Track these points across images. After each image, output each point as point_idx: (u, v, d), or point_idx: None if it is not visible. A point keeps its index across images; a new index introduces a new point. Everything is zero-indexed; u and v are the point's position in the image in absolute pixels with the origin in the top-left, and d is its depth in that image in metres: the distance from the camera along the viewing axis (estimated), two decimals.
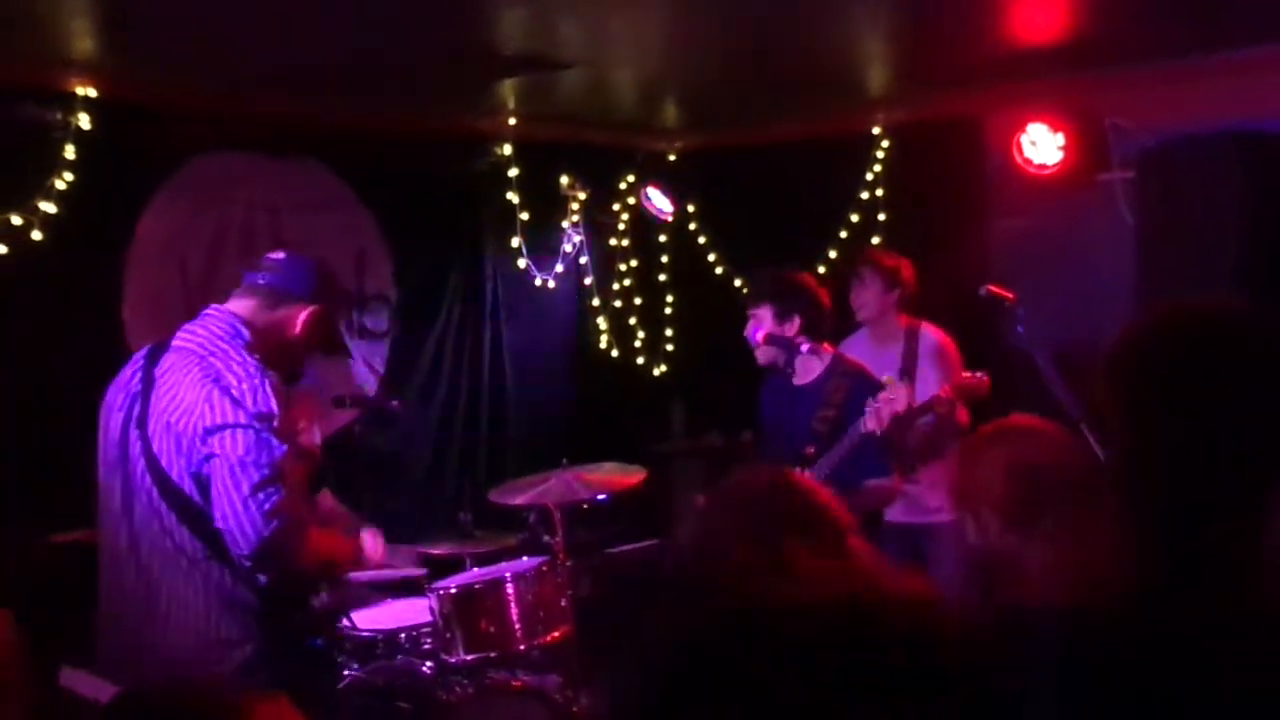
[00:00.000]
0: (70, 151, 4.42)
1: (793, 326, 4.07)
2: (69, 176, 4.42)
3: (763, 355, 4.18)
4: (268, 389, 2.76)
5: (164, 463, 2.76)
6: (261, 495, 2.68)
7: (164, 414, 2.77)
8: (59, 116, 4.42)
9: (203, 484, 2.74)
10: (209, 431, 2.71)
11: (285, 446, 2.77)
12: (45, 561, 3.94)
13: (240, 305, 2.95)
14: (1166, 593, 1.41)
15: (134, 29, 3.95)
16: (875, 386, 4.06)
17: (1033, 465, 2.11)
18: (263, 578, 2.77)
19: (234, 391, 2.73)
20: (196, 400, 2.74)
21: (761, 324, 4.12)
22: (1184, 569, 1.41)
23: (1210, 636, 1.36)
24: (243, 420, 2.71)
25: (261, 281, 2.97)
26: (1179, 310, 1.54)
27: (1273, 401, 1.42)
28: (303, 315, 2.98)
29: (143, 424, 2.80)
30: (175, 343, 2.90)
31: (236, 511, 2.68)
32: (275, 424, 2.75)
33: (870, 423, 3.78)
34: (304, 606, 3.29)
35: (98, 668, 2.65)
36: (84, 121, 4.43)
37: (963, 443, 2.42)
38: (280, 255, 3.04)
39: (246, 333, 2.88)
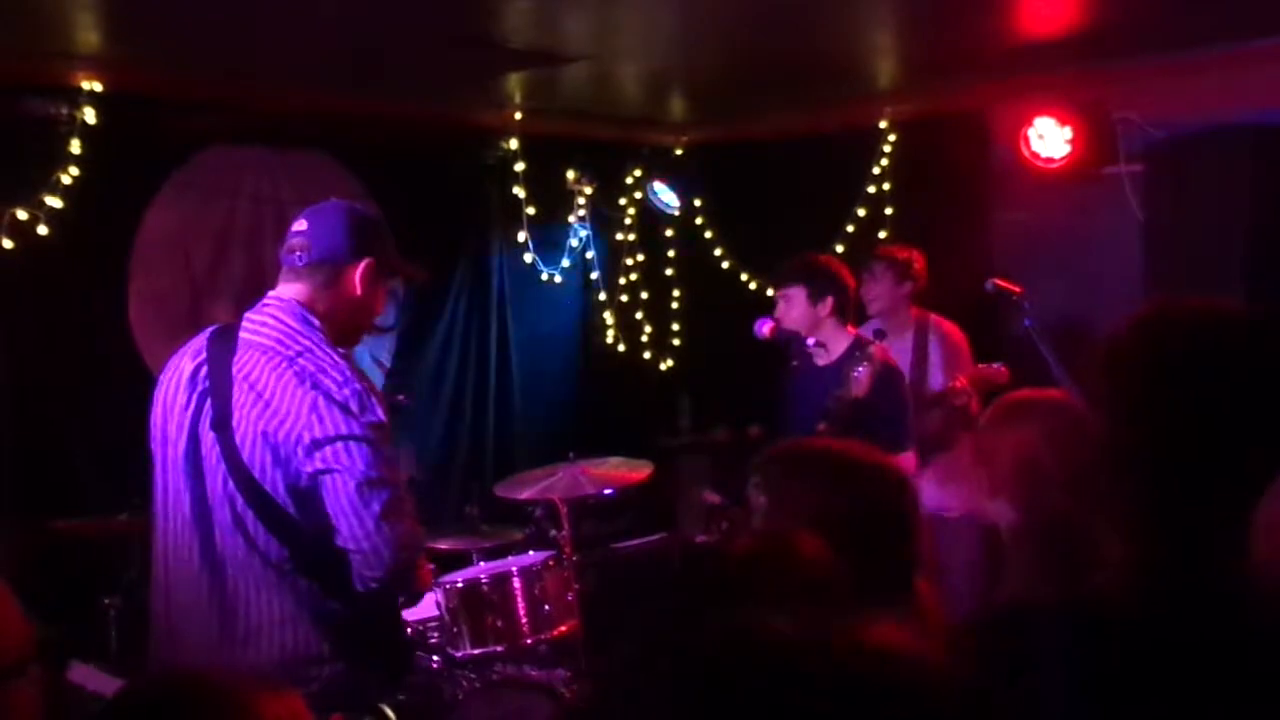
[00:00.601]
0: (76, 146, 4.42)
1: (825, 307, 4.17)
2: (74, 171, 4.42)
3: (776, 331, 4.25)
4: (370, 395, 2.58)
5: (257, 473, 2.55)
6: (394, 520, 2.53)
7: (255, 421, 2.55)
8: (64, 111, 4.41)
9: (300, 496, 2.55)
10: (318, 444, 2.51)
11: (405, 460, 2.69)
12: (49, 552, 3.94)
13: (294, 290, 2.71)
14: (1164, 591, 1.41)
15: (139, 22, 3.96)
16: (893, 369, 4.13)
17: (1040, 453, 2.09)
18: (380, 597, 2.63)
19: (338, 397, 2.53)
20: (298, 408, 2.52)
21: (793, 305, 4.19)
22: (1180, 566, 1.41)
23: (1211, 633, 1.36)
24: (357, 432, 2.52)
25: (301, 262, 2.71)
26: (1173, 306, 1.53)
27: (1265, 400, 1.43)
28: (357, 275, 2.73)
29: (222, 427, 2.58)
30: (245, 335, 2.66)
31: (370, 533, 2.51)
32: (386, 433, 2.59)
33: (854, 388, 3.83)
34: (397, 617, 3.08)
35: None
36: (89, 116, 4.43)
37: (993, 408, 2.36)
38: (305, 225, 2.75)
39: (317, 320, 2.67)
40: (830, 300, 4.17)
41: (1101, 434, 1.51)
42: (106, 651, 3.81)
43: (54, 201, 4.38)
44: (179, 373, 2.71)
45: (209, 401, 2.62)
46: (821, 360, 4.19)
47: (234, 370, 2.61)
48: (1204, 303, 1.53)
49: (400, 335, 5.74)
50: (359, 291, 2.74)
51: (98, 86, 4.45)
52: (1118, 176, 5.33)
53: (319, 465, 2.51)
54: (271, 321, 2.66)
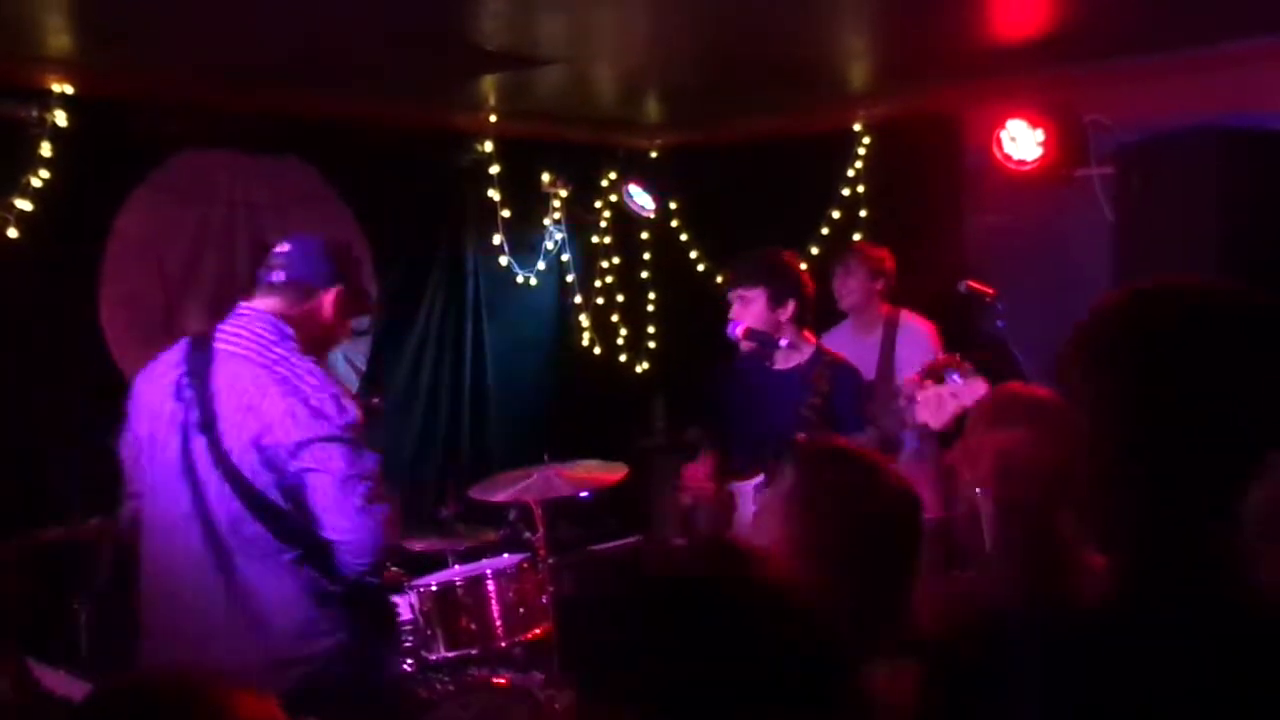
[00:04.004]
0: (46, 149, 4.39)
1: (786, 311, 3.95)
2: (45, 174, 4.39)
3: (746, 344, 4.10)
4: (344, 398, 2.80)
5: (249, 475, 2.74)
6: (375, 508, 2.75)
7: (243, 427, 2.74)
8: (35, 114, 4.38)
9: (291, 494, 2.76)
10: (300, 446, 2.72)
11: (376, 454, 2.82)
12: (18, 556, 3.91)
13: (268, 304, 2.91)
14: (1149, 590, 1.39)
15: (110, 25, 3.93)
16: (857, 376, 4.06)
17: (1023, 454, 2.09)
18: (375, 580, 2.92)
19: (313, 402, 2.74)
20: (280, 414, 2.73)
21: (750, 305, 3.97)
22: (1166, 565, 1.38)
23: (1194, 637, 1.34)
24: (335, 433, 2.73)
25: (278, 279, 2.92)
26: (1156, 288, 1.45)
27: (1256, 384, 1.38)
28: (328, 300, 2.95)
29: (210, 431, 2.77)
30: (221, 347, 2.85)
31: (354, 525, 2.73)
32: (360, 431, 2.79)
33: (927, 416, 3.37)
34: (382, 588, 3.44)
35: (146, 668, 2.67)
36: (60, 119, 4.40)
37: (979, 405, 2.35)
38: (287, 248, 2.97)
39: (289, 330, 2.86)
40: (792, 305, 3.96)
41: (1083, 428, 1.45)
42: (76, 655, 3.78)
43: (24, 205, 4.34)
44: (161, 382, 2.89)
45: (195, 410, 2.80)
46: (779, 364, 4.02)
47: (215, 379, 2.80)
48: (1184, 283, 1.45)
49: (375, 338, 5.72)
50: (328, 315, 2.95)
51: (69, 89, 4.42)
52: (1089, 178, 5.37)
53: (303, 465, 2.73)
54: (246, 333, 2.85)
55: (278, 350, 2.81)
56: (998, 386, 2.33)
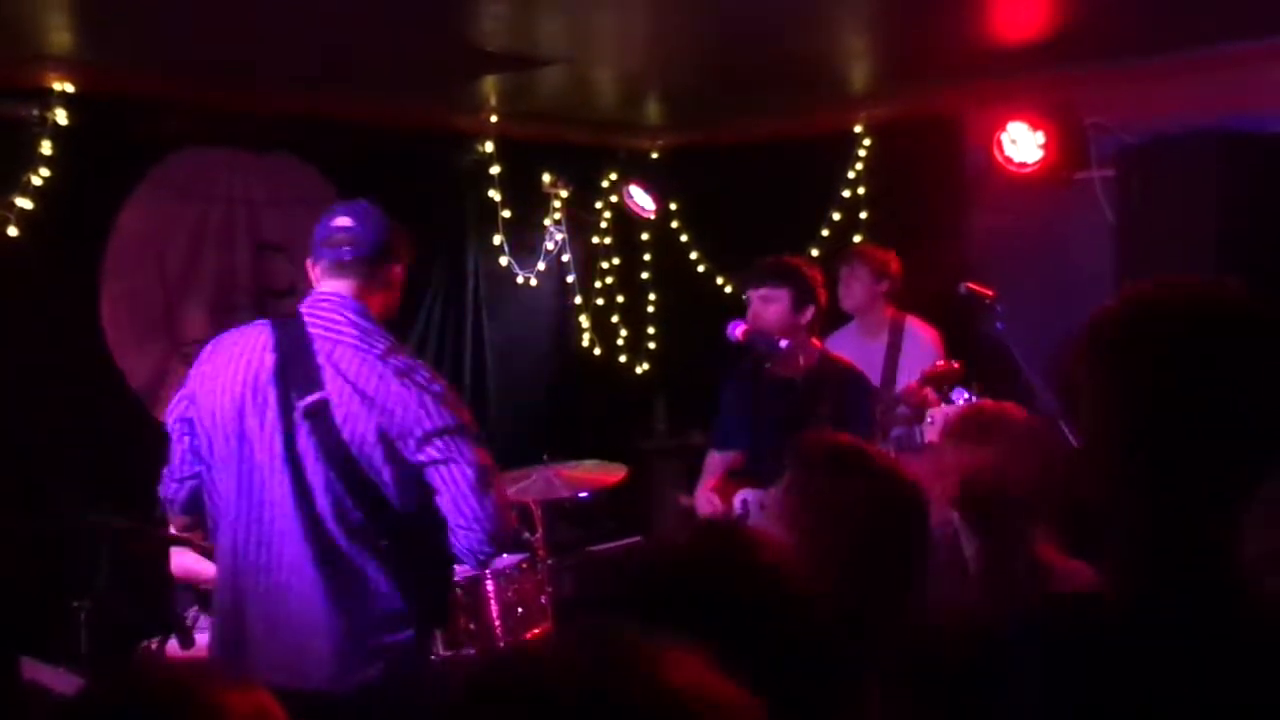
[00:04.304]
0: (47, 147, 4.39)
1: (805, 316, 4.04)
2: (46, 172, 4.39)
3: (750, 335, 4.13)
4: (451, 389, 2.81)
5: (364, 465, 2.70)
6: (496, 494, 2.77)
7: (362, 417, 2.68)
8: (35, 112, 4.38)
9: (407, 485, 2.74)
10: (429, 435, 2.70)
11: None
12: (18, 554, 3.91)
13: (344, 286, 2.82)
14: (1150, 591, 1.39)
15: (110, 23, 3.93)
16: (864, 382, 4.13)
17: (993, 474, 2.09)
18: (490, 564, 3.08)
19: (434, 393, 2.73)
20: (405, 403, 2.69)
21: (771, 305, 4.04)
22: (1167, 565, 1.38)
23: (1197, 641, 1.34)
24: (463, 423, 2.74)
25: (348, 257, 2.82)
26: (1162, 290, 1.46)
27: (1261, 387, 1.37)
28: (395, 276, 2.92)
29: (317, 416, 2.70)
30: (318, 331, 2.77)
31: (492, 515, 2.73)
32: (474, 421, 2.82)
33: (934, 434, 3.59)
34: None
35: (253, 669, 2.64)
36: (61, 117, 4.41)
37: (952, 422, 2.36)
38: (349, 221, 2.85)
39: (373, 315, 2.81)
40: (811, 310, 4.05)
41: (1083, 431, 1.46)
42: (76, 653, 3.78)
43: (25, 203, 4.35)
44: (245, 360, 2.78)
45: (299, 394, 2.72)
46: (782, 372, 4.08)
47: (321, 364, 2.72)
48: (1188, 286, 1.46)
49: None
50: (397, 291, 2.92)
51: (69, 88, 4.42)
52: (1089, 181, 5.36)
53: (432, 455, 2.70)
54: (341, 319, 2.77)
55: (382, 341, 2.78)
56: (965, 405, 2.35)
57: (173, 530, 3.25)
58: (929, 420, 3.71)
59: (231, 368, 2.81)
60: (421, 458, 2.71)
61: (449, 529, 2.74)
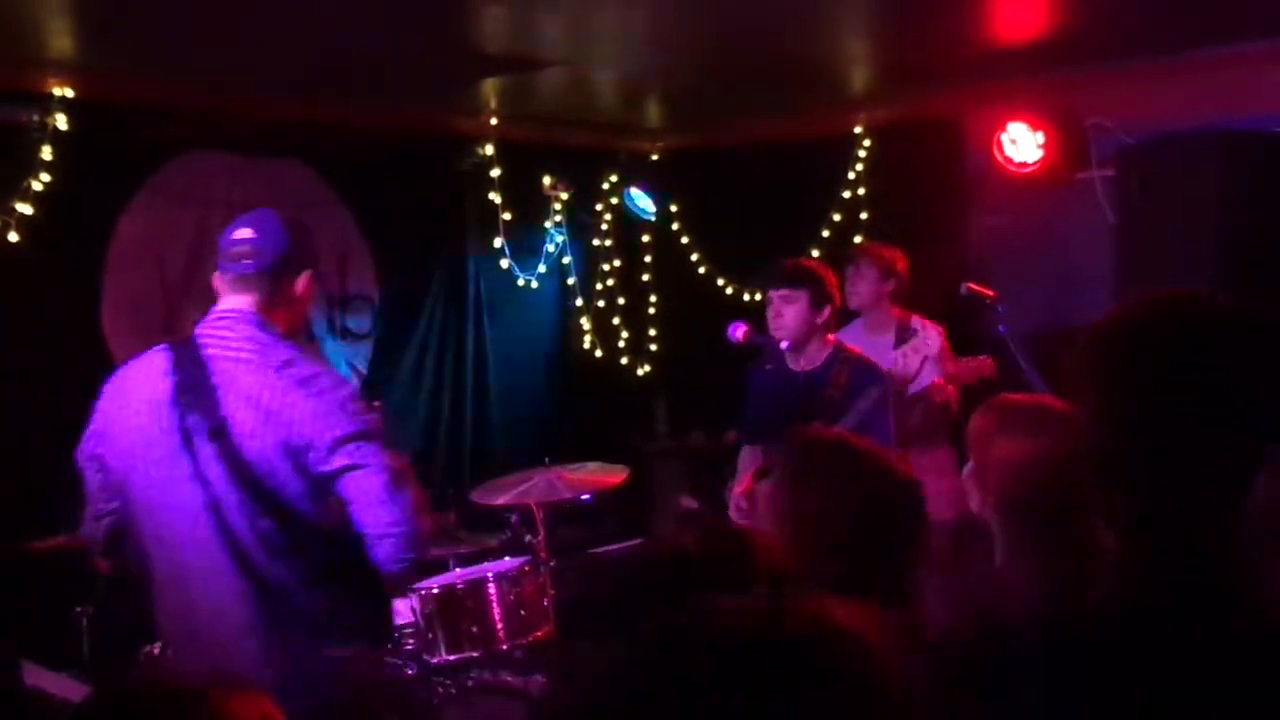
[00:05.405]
0: (47, 153, 4.40)
1: (822, 315, 4.21)
2: (46, 178, 4.39)
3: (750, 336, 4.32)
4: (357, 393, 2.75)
5: (270, 481, 2.64)
6: (405, 497, 2.68)
7: (263, 432, 2.63)
8: (36, 118, 4.39)
9: (318, 495, 2.67)
10: (339, 442, 2.63)
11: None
12: (20, 562, 3.91)
13: (245, 300, 2.76)
14: (1150, 591, 1.39)
15: (111, 29, 3.94)
16: (874, 370, 4.19)
17: (1034, 462, 2.08)
18: (411, 578, 2.93)
19: (337, 400, 2.66)
20: (308, 413, 2.63)
21: (793, 307, 4.18)
22: (1167, 566, 1.39)
23: (1196, 641, 1.34)
24: (370, 428, 2.67)
25: (250, 270, 2.76)
26: (1158, 300, 1.49)
27: (1247, 394, 1.41)
28: (302, 283, 2.82)
29: (220, 437, 2.65)
30: (215, 352, 2.71)
31: (404, 518, 2.65)
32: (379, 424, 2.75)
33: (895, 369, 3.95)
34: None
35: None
36: (61, 122, 4.41)
37: (985, 413, 2.33)
38: (250, 233, 2.78)
39: (276, 327, 2.75)
40: (827, 310, 4.22)
41: (1086, 433, 1.47)
42: (79, 660, 3.78)
43: (25, 209, 4.35)
44: (145, 392, 2.74)
45: (199, 418, 2.66)
46: (799, 366, 4.21)
47: (219, 387, 2.66)
48: (1187, 295, 1.48)
49: (377, 342, 5.73)
50: (304, 300, 2.83)
51: (69, 93, 4.43)
52: (1090, 181, 5.37)
53: (341, 463, 2.63)
54: (236, 336, 2.72)
55: (280, 352, 2.70)
56: (995, 398, 2.31)
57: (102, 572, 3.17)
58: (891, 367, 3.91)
59: (133, 398, 2.77)
60: (328, 468, 2.64)
61: (366, 542, 2.66)
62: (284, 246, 2.78)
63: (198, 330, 2.78)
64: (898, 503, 2.00)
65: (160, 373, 2.75)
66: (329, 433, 2.62)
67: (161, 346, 2.81)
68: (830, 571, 1.80)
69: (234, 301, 2.76)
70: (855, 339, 4.85)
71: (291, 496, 2.66)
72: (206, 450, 2.65)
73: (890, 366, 4.60)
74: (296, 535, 2.68)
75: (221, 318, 2.76)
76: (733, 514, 4.13)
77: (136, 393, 2.77)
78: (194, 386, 2.69)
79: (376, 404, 4.86)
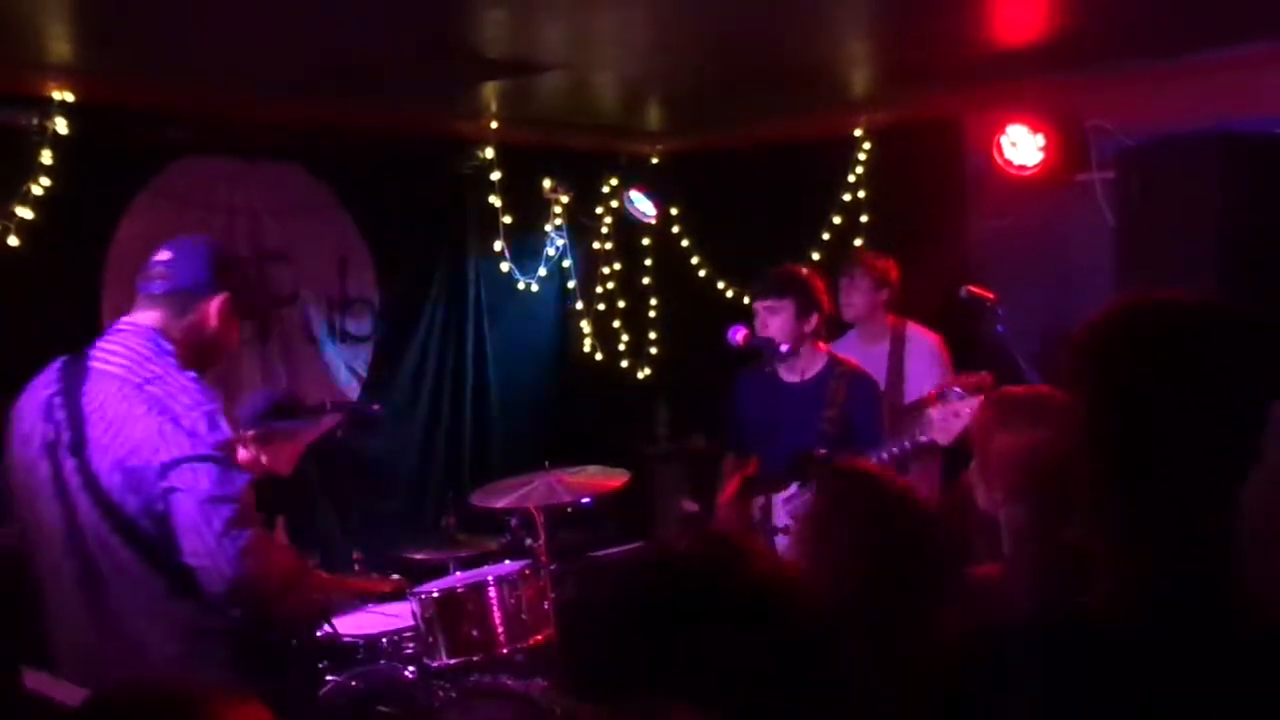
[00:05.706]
0: (47, 157, 4.40)
1: (810, 324, 4.15)
2: (46, 182, 4.40)
3: (750, 339, 4.19)
4: (219, 415, 2.65)
5: (117, 499, 2.62)
6: (235, 532, 2.56)
7: (110, 449, 2.62)
8: (35, 121, 4.39)
9: (158, 520, 2.61)
10: (167, 466, 2.58)
11: (248, 475, 2.67)
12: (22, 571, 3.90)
13: (149, 317, 2.78)
14: (1148, 592, 1.39)
15: (110, 32, 3.94)
16: (871, 384, 4.18)
17: (1041, 456, 2.08)
18: (236, 613, 2.69)
19: (185, 422, 2.60)
20: (148, 435, 2.60)
21: (778, 318, 4.13)
22: (1164, 567, 1.39)
23: (1195, 640, 1.34)
24: (203, 451, 2.59)
25: (159, 290, 2.80)
26: (1146, 300, 1.50)
27: (1236, 396, 1.41)
28: (213, 307, 2.82)
29: (79, 451, 2.65)
30: (96, 365, 2.72)
31: (211, 550, 2.55)
32: (232, 450, 2.67)
33: (937, 434, 3.64)
34: (286, 630, 3.21)
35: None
36: (61, 126, 4.41)
37: (990, 408, 2.33)
38: (167, 255, 2.83)
39: (169, 345, 2.74)
40: (815, 318, 4.15)
41: (1081, 431, 1.49)
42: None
43: (25, 213, 4.35)
44: (34, 403, 2.76)
45: (66, 431, 2.67)
46: (790, 377, 4.17)
47: (84, 400, 2.68)
48: (1180, 295, 1.49)
49: (377, 345, 5.73)
50: (214, 323, 2.82)
51: (69, 96, 4.43)
52: (1090, 183, 5.37)
53: (168, 485, 2.58)
54: (121, 349, 2.73)
55: (152, 367, 2.68)
56: (994, 392, 2.31)
57: None
58: (930, 419, 3.73)
59: (25, 408, 2.78)
60: (161, 488, 2.59)
61: (192, 569, 2.58)
62: (201, 274, 2.81)
63: (96, 341, 2.79)
64: (924, 539, 2.01)
65: (48, 382, 2.78)
66: (162, 454, 2.58)
67: (59, 360, 2.83)
68: (852, 604, 1.82)
69: (137, 317, 2.80)
70: (850, 350, 4.84)
71: (132, 514, 2.62)
72: (69, 464, 2.66)
73: (879, 376, 4.56)
74: (147, 557, 2.63)
75: (118, 330, 2.80)
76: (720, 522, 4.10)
77: (27, 403, 2.79)
78: (69, 398, 2.70)
79: (377, 407, 4.90)
